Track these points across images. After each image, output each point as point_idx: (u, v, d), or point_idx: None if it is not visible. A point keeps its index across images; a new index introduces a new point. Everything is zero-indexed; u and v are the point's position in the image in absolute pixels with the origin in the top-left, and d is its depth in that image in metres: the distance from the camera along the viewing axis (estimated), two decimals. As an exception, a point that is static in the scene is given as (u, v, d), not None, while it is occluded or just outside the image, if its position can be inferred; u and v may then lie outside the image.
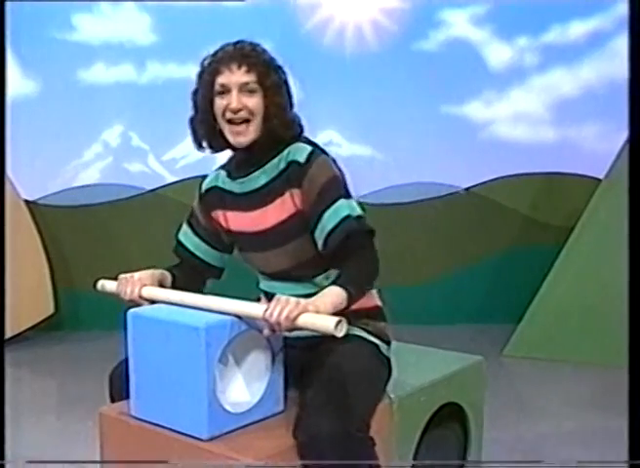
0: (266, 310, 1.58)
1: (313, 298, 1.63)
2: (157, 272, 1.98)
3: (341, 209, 1.80)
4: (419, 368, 2.25)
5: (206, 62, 1.89)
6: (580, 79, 5.11)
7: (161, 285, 1.97)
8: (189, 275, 2.11)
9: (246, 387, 1.73)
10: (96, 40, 5.04)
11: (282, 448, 1.65)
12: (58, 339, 4.86)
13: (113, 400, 1.94)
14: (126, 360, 1.79)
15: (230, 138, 1.87)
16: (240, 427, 1.69)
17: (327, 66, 5.00)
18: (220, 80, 1.83)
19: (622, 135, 4.29)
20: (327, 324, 1.53)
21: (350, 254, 1.79)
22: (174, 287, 2.01)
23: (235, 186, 1.97)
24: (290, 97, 1.91)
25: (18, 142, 4.60)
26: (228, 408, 1.66)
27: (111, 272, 2.03)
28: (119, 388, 1.88)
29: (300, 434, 1.64)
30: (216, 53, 1.88)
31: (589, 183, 4.79)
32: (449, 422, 2.25)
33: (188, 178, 4.97)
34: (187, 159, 5.14)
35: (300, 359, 1.83)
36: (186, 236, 2.12)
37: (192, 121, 1.96)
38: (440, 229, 5.21)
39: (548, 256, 4.50)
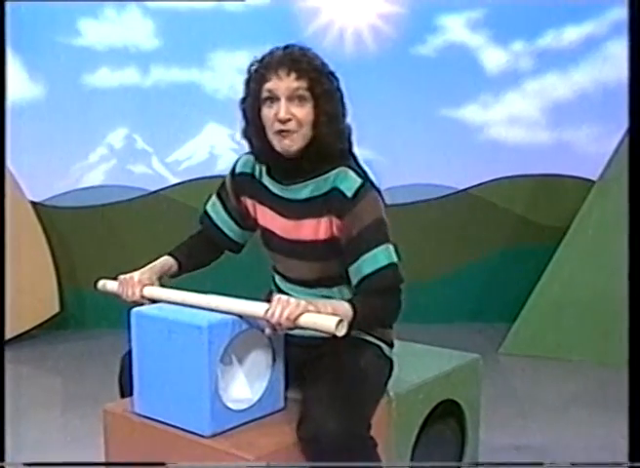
0: (267, 310, 1.57)
1: (316, 300, 1.64)
2: (156, 267, 1.95)
3: (380, 257, 1.74)
4: (417, 365, 2.26)
5: (253, 69, 1.78)
6: (574, 83, 5.10)
7: (162, 277, 1.95)
8: (207, 245, 2.08)
9: (247, 385, 1.74)
10: (100, 44, 5.04)
11: (283, 445, 1.67)
12: (63, 338, 4.87)
13: (122, 389, 1.93)
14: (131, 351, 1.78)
15: (276, 144, 1.76)
16: (241, 424, 1.70)
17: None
18: (268, 86, 1.72)
19: (616, 137, 4.34)
20: (328, 323, 1.54)
21: (376, 294, 1.75)
22: (181, 268, 2.00)
23: (275, 187, 1.88)
24: (343, 105, 1.82)
25: (24, 145, 4.65)
26: (230, 405, 1.67)
27: (116, 271, 2.03)
28: (128, 377, 1.84)
29: (304, 432, 1.64)
30: (263, 58, 1.77)
31: (583, 185, 4.81)
32: (446, 419, 2.27)
33: (191, 180, 5.01)
34: (190, 161, 5.16)
35: (302, 358, 1.84)
36: (214, 208, 2.05)
37: (245, 132, 1.86)
38: (437, 230, 5.21)
39: (543, 256, 4.52)
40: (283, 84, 1.71)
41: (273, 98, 1.73)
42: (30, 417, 3.33)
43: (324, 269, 1.87)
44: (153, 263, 1.98)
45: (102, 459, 1.91)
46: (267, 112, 1.75)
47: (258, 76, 1.75)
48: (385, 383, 1.96)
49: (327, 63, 1.79)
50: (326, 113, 1.75)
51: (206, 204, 2.08)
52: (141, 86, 5.09)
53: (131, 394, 1.84)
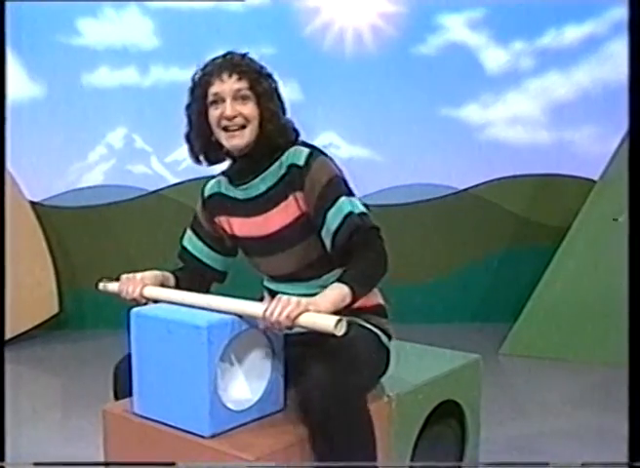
0: (266, 310, 1.58)
1: (314, 297, 1.64)
2: (159, 273, 1.99)
3: (344, 206, 1.81)
4: (417, 366, 2.27)
5: (197, 77, 1.90)
6: (575, 82, 5.12)
7: (163, 286, 1.97)
8: (193, 279, 2.11)
9: (247, 385, 1.74)
10: (100, 44, 5.06)
11: (283, 445, 1.66)
12: (62, 338, 4.88)
13: (116, 394, 1.95)
14: (129, 355, 1.79)
15: (226, 143, 1.88)
16: (241, 425, 1.70)
17: (326, 70, 5.01)
18: (213, 90, 1.85)
19: (617, 137, 4.34)
20: (327, 323, 1.54)
21: (355, 252, 1.79)
22: (177, 289, 1.99)
23: (238, 193, 1.98)
24: (282, 103, 1.93)
25: (23, 144, 4.66)
26: (230, 405, 1.67)
27: (115, 272, 2.04)
28: (122, 383, 1.88)
29: (300, 394, 1.66)
30: (205, 66, 1.90)
31: (584, 184, 4.83)
32: (447, 419, 2.27)
33: (190, 180, 4.99)
34: (189, 161, 5.15)
35: (301, 357, 1.80)
36: (191, 241, 2.13)
37: (188, 136, 1.97)
38: (437, 230, 5.22)
39: (544, 256, 4.53)
40: (227, 86, 1.84)
41: (218, 101, 1.86)
42: (30, 417, 3.33)
43: (305, 255, 1.91)
44: (157, 272, 2.01)
45: (102, 459, 1.90)
46: (214, 113, 1.87)
47: (202, 82, 1.88)
48: (382, 371, 1.98)
49: (265, 66, 1.92)
50: (268, 110, 1.87)
51: (181, 240, 2.16)
52: (141, 86, 5.11)
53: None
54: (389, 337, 2.00)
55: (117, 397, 1.95)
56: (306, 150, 1.87)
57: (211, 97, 1.86)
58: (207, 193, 2.09)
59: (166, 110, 5.01)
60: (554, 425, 3.26)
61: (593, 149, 5.07)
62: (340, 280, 1.71)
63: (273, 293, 1.91)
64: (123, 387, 1.88)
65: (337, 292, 1.67)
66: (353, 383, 1.69)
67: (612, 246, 3.96)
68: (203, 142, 1.93)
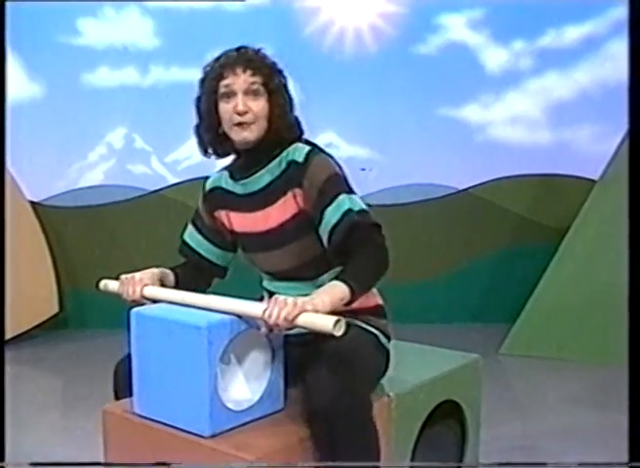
0: (265, 311, 1.58)
1: (312, 296, 1.63)
2: (157, 271, 1.99)
3: (343, 203, 1.80)
4: (417, 366, 2.25)
5: (208, 68, 1.89)
6: (574, 82, 5.13)
7: (162, 284, 1.97)
8: (194, 274, 2.12)
9: (247, 385, 1.74)
10: (100, 44, 5.07)
11: (283, 445, 1.66)
12: (62, 338, 4.89)
13: (117, 394, 1.94)
14: (129, 355, 1.79)
15: (235, 136, 1.87)
16: (241, 425, 1.69)
17: (326, 70, 5.02)
18: (225, 83, 1.84)
19: (617, 137, 4.34)
20: (326, 323, 1.53)
21: (354, 249, 1.77)
22: (177, 286, 2.02)
23: (238, 187, 1.98)
24: (291, 99, 1.94)
25: (23, 144, 4.67)
26: (230, 405, 1.66)
27: (115, 271, 2.04)
28: (123, 383, 1.88)
29: (305, 398, 1.66)
30: (218, 58, 1.89)
31: (584, 185, 4.82)
32: (447, 420, 2.27)
33: (190, 180, 5.00)
34: (190, 161, 5.17)
35: (301, 357, 1.82)
36: (191, 236, 2.13)
37: (197, 128, 1.97)
38: (437, 230, 5.23)
39: (544, 256, 4.54)
40: (240, 80, 1.84)
41: (230, 94, 1.85)
42: (30, 417, 3.34)
43: (302, 253, 1.91)
44: (154, 268, 2.01)
45: (102, 460, 1.90)
46: (225, 107, 1.86)
47: (214, 75, 1.87)
48: (382, 373, 1.98)
49: (277, 62, 1.93)
50: (278, 106, 1.88)
51: (182, 235, 2.17)
52: (141, 85, 5.12)
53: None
54: (388, 338, 2.00)
55: (118, 397, 1.95)
56: (307, 148, 1.87)
57: (222, 90, 1.85)
58: (208, 187, 2.09)
59: (166, 110, 5.05)
60: (554, 425, 3.26)
61: (593, 149, 5.07)
62: (338, 278, 1.69)
63: (271, 294, 1.89)
64: (123, 387, 1.88)
65: (335, 291, 1.66)
66: (355, 388, 1.68)
67: (612, 246, 3.97)
68: (212, 135, 1.93)
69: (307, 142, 1.93)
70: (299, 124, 1.96)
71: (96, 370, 3.91)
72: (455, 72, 5.13)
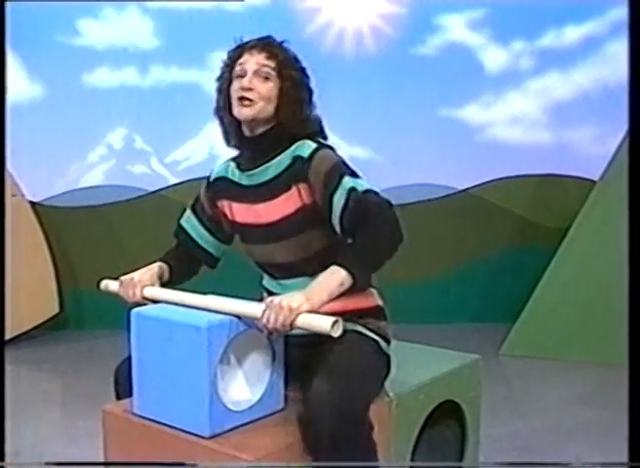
0: (262, 316, 1.59)
1: (307, 290, 1.63)
2: (155, 268, 2.00)
3: (346, 184, 1.76)
4: (417, 366, 2.25)
5: (231, 49, 1.92)
6: (575, 82, 5.13)
7: (161, 280, 1.99)
8: (185, 260, 2.12)
9: (247, 386, 1.74)
10: (100, 44, 5.07)
11: (283, 445, 1.66)
12: (62, 338, 4.89)
13: (119, 396, 1.94)
14: (130, 358, 1.79)
15: (236, 112, 1.86)
16: (241, 425, 1.70)
17: (326, 70, 4.98)
18: (240, 61, 1.86)
19: (617, 137, 4.34)
20: (323, 324, 1.54)
21: (361, 229, 1.73)
22: (171, 277, 2.04)
23: (244, 178, 1.96)
24: (310, 96, 1.92)
25: (23, 145, 4.66)
26: (230, 406, 1.67)
27: (115, 272, 2.05)
28: (124, 385, 1.87)
29: (303, 415, 1.65)
30: (242, 40, 1.92)
31: (584, 185, 4.83)
32: (447, 420, 2.27)
33: (190, 180, 5.00)
34: (189, 161, 5.18)
35: (301, 357, 1.83)
36: (189, 221, 2.13)
37: (217, 109, 1.97)
38: (438, 230, 5.22)
39: (544, 257, 4.53)
40: (253, 59, 1.85)
41: (242, 73, 1.85)
42: (30, 417, 3.33)
43: (301, 248, 1.88)
44: (152, 265, 2.02)
45: (102, 460, 1.90)
46: (235, 85, 1.86)
47: (234, 55, 1.90)
48: (383, 379, 1.96)
49: (300, 59, 1.93)
50: (289, 96, 1.86)
51: (180, 219, 2.17)
52: (141, 86, 5.12)
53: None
54: (388, 342, 1.98)
55: (119, 398, 1.95)
56: (314, 144, 1.86)
57: (237, 68, 1.86)
58: (213, 176, 2.08)
59: (166, 111, 5.05)
60: (554, 425, 3.26)
61: (593, 149, 5.08)
62: (336, 263, 1.67)
63: (270, 294, 1.91)
64: (125, 390, 1.88)
65: (332, 278, 1.65)
66: (354, 399, 1.67)
67: (612, 246, 3.97)
68: (224, 114, 1.93)
69: (318, 141, 1.90)
70: (317, 122, 1.94)
71: (96, 371, 3.93)
72: (455, 72, 5.14)
